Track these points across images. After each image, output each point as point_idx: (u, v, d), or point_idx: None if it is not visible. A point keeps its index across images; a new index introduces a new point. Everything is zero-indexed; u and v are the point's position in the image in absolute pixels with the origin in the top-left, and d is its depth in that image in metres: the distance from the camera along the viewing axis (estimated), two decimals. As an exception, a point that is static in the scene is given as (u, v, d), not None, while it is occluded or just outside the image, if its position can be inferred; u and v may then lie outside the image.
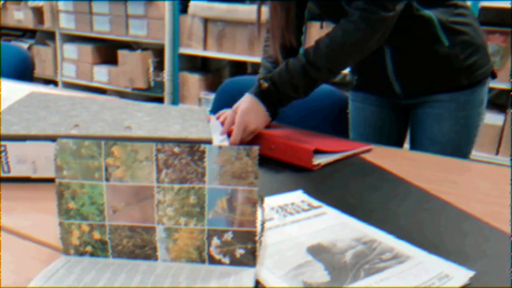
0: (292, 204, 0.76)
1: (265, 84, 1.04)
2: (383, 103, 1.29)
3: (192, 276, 0.54)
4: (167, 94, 3.28)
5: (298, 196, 0.79)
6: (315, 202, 0.77)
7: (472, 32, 1.15)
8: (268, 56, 1.18)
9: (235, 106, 1.05)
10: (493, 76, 1.23)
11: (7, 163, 0.76)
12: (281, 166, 0.96)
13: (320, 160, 0.95)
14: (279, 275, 0.56)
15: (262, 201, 0.68)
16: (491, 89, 1.23)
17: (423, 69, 1.16)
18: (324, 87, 1.12)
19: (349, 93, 1.36)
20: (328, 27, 1.10)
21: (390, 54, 1.16)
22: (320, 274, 0.57)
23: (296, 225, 0.69)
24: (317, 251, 0.62)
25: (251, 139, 1.04)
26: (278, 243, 0.63)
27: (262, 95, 1.04)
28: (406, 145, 1.35)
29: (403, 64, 1.17)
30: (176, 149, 0.55)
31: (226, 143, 1.00)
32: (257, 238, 0.58)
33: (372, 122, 1.32)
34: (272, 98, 1.05)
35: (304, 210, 0.74)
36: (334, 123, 1.39)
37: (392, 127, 1.32)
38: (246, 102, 1.04)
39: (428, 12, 1.10)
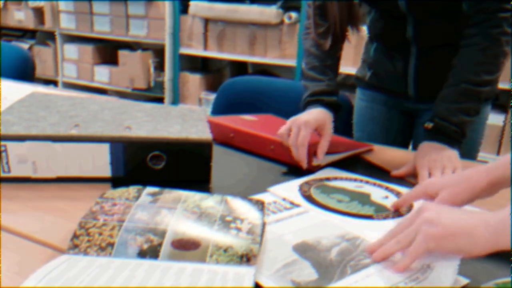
0: (274, 202, 0.76)
1: (430, 125, 1.00)
2: (392, 104, 1.27)
3: (194, 275, 0.53)
4: (167, 94, 3.28)
5: (277, 195, 0.79)
6: (297, 200, 0.78)
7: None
8: (315, 45, 1.11)
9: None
10: (496, 98, 1.21)
11: (7, 163, 0.76)
12: (281, 166, 0.96)
13: (320, 161, 0.95)
14: (267, 275, 0.56)
15: (262, 204, 0.68)
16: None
17: (443, 76, 1.09)
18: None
19: (357, 90, 1.34)
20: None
21: (416, 54, 1.15)
22: (307, 272, 0.57)
23: (280, 224, 0.69)
24: (303, 249, 0.62)
25: (250, 139, 1.04)
26: (263, 242, 0.63)
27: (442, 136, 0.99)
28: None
29: (426, 67, 1.15)
30: None
31: None
32: (258, 238, 0.58)
33: (379, 122, 1.31)
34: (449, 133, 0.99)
35: (286, 209, 0.74)
36: (336, 123, 1.38)
37: (399, 128, 1.30)
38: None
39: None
